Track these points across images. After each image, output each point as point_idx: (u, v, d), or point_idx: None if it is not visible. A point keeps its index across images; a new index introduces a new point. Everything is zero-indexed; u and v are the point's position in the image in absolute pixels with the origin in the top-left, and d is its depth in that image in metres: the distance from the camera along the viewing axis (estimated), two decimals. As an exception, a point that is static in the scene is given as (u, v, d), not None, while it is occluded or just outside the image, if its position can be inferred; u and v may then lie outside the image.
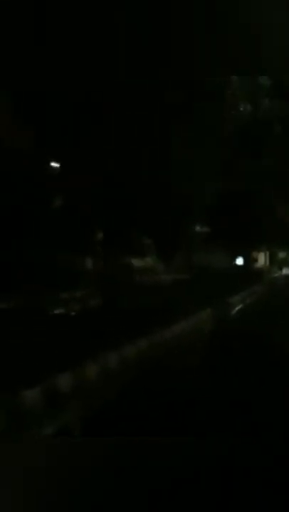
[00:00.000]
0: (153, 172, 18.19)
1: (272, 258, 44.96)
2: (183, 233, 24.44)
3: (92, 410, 6.00)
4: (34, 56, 13.90)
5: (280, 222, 29.62)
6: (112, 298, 15.89)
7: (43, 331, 9.33)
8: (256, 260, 39.36)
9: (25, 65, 13.96)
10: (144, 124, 17.02)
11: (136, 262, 21.49)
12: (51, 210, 16.66)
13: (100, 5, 13.96)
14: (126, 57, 15.04)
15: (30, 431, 5.36)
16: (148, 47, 14.77)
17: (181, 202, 20.13)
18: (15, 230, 14.72)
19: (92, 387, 6.78)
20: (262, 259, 42.34)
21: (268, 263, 43.61)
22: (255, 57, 16.87)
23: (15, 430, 5.21)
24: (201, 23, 14.83)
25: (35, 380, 6.02)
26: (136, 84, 15.57)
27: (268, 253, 43.06)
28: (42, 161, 16.66)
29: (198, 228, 28.62)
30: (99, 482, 1.86)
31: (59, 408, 5.98)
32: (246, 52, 16.08)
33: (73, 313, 12.95)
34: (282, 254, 46.35)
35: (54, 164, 17.41)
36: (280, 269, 45.51)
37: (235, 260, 33.25)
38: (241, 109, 25.05)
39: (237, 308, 17.01)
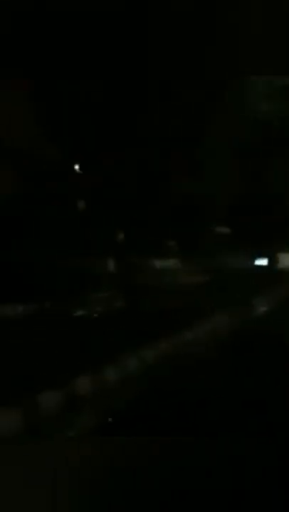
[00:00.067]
0: (175, 173, 18.16)
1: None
2: (205, 234, 24.34)
3: (111, 412, 5.99)
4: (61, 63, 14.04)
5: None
6: (134, 300, 15.88)
7: (64, 333, 9.36)
8: (279, 261, 38.97)
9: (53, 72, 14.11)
10: (165, 125, 17.01)
11: (158, 264, 21.46)
12: (73, 213, 16.73)
13: (120, 6, 13.98)
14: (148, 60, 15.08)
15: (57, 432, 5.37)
16: (166, 48, 14.77)
17: (203, 203, 20.07)
18: (37, 233, 14.82)
19: (113, 388, 6.78)
20: (286, 260, 41.89)
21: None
22: (276, 58, 16.75)
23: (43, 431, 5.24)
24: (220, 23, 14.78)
25: (58, 382, 6.03)
26: (155, 85, 15.60)
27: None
28: (64, 163, 16.74)
29: (221, 229, 28.46)
30: (119, 480, 1.86)
31: (77, 411, 5.98)
32: (267, 52, 15.98)
33: (95, 315, 12.99)
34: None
35: (76, 167, 17.49)
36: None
37: (258, 261, 32.97)
38: (264, 108, 24.83)
39: (261, 310, 16.87)
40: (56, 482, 1.95)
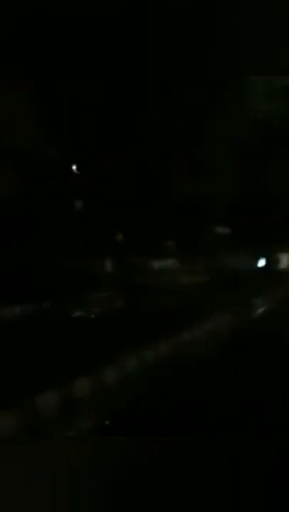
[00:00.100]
0: (174, 173, 18.16)
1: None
2: (204, 235, 24.34)
3: (110, 412, 5.99)
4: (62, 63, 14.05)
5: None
6: (133, 300, 15.88)
7: (62, 334, 9.37)
8: (279, 262, 38.95)
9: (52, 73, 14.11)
10: (164, 125, 17.01)
11: (157, 264, 21.47)
12: (71, 213, 16.73)
13: (123, 5, 13.97)
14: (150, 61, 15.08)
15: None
16: (168, 48, 14.77)
17: (202, 203, 20.07)
18: (36, 233, 14.82)
19: (112, 388, 6.78)
20: (285, 260, 41.86)
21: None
22: (276, 57, 16.74)
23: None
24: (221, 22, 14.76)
25: (57, 382, 6.03)
26: (155, 85, 15.61)
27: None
28: (63, 164, 16.74)
29: (220, 229, 28.44)
30: (120, 480, 1.87)
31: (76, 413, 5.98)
32: (267, 51, 15.96)
33: (93, 316, 12.99)
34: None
35: (75, 167, 17.49)
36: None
37: (257, 262, 32.94)
38: (264, 108, 24.76)
39: (260, 310, 16.86)
40: (56, 482, 1.95)
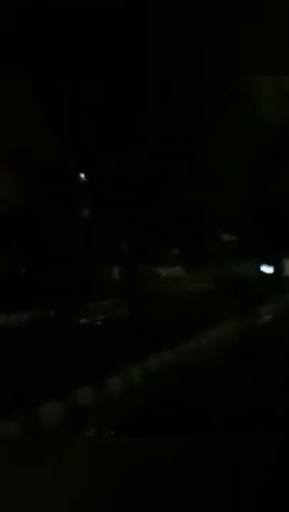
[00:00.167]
0: (181, 181, 18.16)
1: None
2: (211, 242, 24.31)
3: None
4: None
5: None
6: (140, 308, 15.86)
7: (67, 341, 9.36)
8: (286, 269, 38.81)
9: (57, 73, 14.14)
10: (172, 135, 17.04)
11: (164, 272, 21.46)
12: (78, 221, 16.76)
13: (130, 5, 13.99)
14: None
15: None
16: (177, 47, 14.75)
17: (208, 211, 20.05)
18: (41, 241, 14.84)
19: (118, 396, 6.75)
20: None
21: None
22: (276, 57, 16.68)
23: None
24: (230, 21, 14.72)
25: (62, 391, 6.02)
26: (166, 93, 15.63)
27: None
28: (70, 171, 16.79)
29: (227, 237, 28.40)
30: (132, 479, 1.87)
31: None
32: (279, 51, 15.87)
33: (99, 323, 12.97)
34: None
35: (81, 175, 17.55)
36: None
37: (265, 269, 32.83)
38: (274, 115, 24.55)
39: (267, 318, 16.79)
40: (56, 482, 1.94)
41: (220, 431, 5.03)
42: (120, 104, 15.72)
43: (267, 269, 33.05)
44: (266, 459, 2.06)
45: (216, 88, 17.24)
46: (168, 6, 13.50)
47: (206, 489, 1.83)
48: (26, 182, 15.17)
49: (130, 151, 16.56)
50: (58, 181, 15.86)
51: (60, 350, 8.66)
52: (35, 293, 13.89)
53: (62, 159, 16.13)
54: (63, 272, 15.05)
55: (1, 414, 5.07)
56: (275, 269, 33.25)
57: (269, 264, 32.99)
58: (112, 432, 5.53)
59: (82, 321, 13.17)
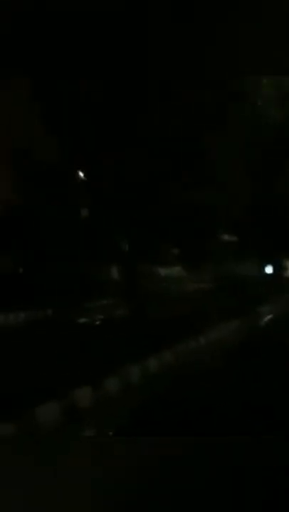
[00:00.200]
0: (181, 181, 18.17)
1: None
2: (211, 242, 24.31)
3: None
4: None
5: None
6: (140, 307, 15.85)
7: (65, 340, 9.35)
8: (287, 269, 38.80)
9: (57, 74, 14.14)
10: (172, 133, 17.04)
11: (163, 272, 21.45)
12: (78, 221, 16.76)
13: (131, 6, 13.99)
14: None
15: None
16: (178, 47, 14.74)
17: (208, 211, 20.05)
18: (41, 240, 14.84)
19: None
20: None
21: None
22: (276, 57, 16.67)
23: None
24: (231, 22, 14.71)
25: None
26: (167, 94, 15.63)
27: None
28: (69, 171, 16.80)
29: (227, 237, 28.40)
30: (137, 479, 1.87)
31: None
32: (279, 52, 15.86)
33: (97, 323, 12.96)
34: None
35: (81, 174, 17.55)
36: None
37: (265, 269, 32.82)
38: (275, 116, 24.50)
39: (267, 318, 16.78)
40: (56, 482, 1.94)
41: (220, 431, 5.03)
42: (120, 104, 15.72)
43: (267, 269, 33.06)
44: (266, 459, 2.05)
45: (216, 88, 17.23)
46: (168, 6, 13.50)
47: (206, 489, 1.82)
48: (26, 182, 15.18)
49: (130, 151, 16.55)
50: (57, 181, 15.86)
51: (58, 350, 8.64)
52: (35, 292, 13.88)
53: (62, 159, 16.13)
54: (63, 271, 15.05)
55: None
56: (274, 269, 33.27)
57: (269, 264, 32.99)
58: (111, 433, 5.52)
59: (82, 320, 13.16)
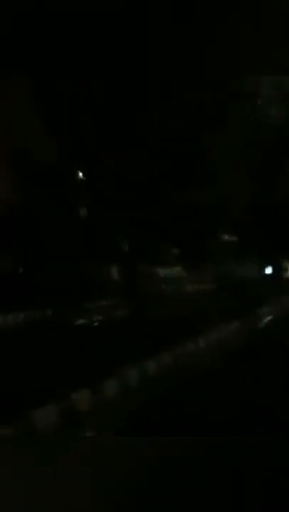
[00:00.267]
0: (181, 181, 18.17)
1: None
2: (211, 242, 24.30)
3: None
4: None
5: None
6: (140, 308, 15.84)
7: (63, 341, 9.34)
8: (287, 270, 38.77)
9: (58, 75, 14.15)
10: (172, 133, 17.05)
11: (162, 272, 21.43)
12: (78, 221, 16.77)
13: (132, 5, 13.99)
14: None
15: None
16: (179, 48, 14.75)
17: (208, 211, 20.05)
18: (41, 240, 14.84)
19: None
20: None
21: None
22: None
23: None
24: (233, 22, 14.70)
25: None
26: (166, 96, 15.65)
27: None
28: (69, 171, 16.80)
29: (227, 237, 28.37)
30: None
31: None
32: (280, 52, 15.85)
33: (97, 324, 12.94)
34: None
35: (81, 175, 17.56)
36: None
37: (265, 270, 32.78)
38: (276, 119, 24.47)
39: (267, 319, 16.76)
40: (56, 482, 1.94)
41: (219, 433, 5.03)
42: (120, 104, 15.73)
43: (267, 270, 32.99)
44: (266, 459, 2.05)
45: (216, 88, 17.24)
46: (168, 7, 13.51)
47: (206, 489, 1.82)
48: (26, 182, 15.18)
49: (130, 151, 16.56)
50: (57, 181, 15.86)
51: (57, 351, 8.63)
52: (35, 293, 13.87)
53: (61, 159, 16.13)
54: (63, 271, 15.04)
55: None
56: (274, 270, 33.21)
57: (269, 265, 32.92)
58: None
59: (81, 321, 13.14)
